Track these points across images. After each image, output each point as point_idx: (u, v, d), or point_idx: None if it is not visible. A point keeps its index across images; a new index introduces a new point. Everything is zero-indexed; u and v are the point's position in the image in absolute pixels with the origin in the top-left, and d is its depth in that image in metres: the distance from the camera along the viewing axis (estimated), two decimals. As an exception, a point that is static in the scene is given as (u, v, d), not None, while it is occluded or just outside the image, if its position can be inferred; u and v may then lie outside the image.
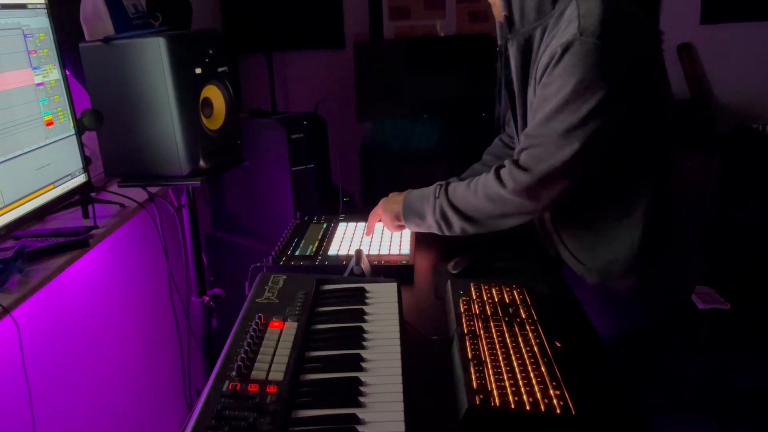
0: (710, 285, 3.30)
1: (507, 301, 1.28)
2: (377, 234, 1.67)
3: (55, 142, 1.58)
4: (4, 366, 1.44)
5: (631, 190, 1.44)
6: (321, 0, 3.86)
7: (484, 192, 1.41)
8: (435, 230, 1.51)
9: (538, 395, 0.97)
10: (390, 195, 1.66)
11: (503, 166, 1.41)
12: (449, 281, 1.36)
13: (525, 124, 1.49)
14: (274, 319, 1.12)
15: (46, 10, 1.58)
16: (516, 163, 1.38)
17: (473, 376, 1.01)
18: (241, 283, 1.43)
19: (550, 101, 1.32)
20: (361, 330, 1.13)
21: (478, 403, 0.95)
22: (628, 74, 1.31)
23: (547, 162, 1.33)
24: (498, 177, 1.40)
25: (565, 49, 1.28)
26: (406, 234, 1.65)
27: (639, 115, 1.36)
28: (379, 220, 1.64)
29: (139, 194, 1.83)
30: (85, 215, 1.68)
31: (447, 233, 1.49)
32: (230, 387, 0.93)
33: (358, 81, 3.67)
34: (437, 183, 1.52)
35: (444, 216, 1.47)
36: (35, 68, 1.53)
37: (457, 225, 1.47)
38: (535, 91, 1.39)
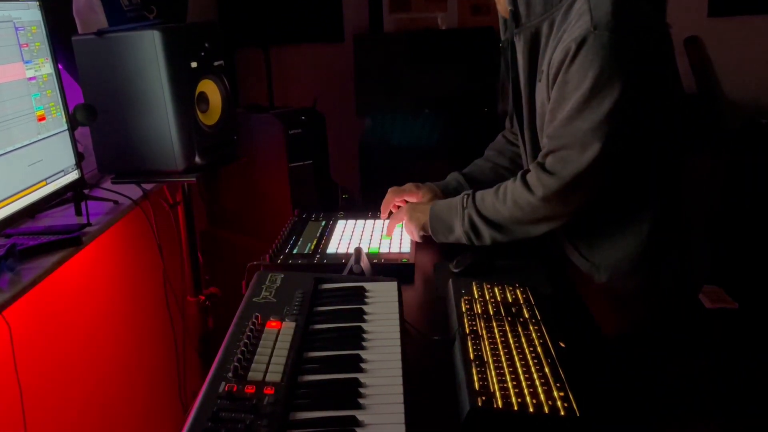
0: (718, 284, 3.28)
1: (510, 300, 1.26)
2: (377, 232, 1.64)
3: (47, 137, 1.57)
4: (-5, 367, 1.42)
5: (640, 187, 1.42)
6: (320, -7, 3.84)
7: (513, 200, 1.40)
8: (464, 241, 1.49)
9: (542, 396, 0.96)
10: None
11: (529, 170, 1.39)
12: (451, 280, 1.34)
13: (531, 120, 1.47)
14: (271, 318, 1.11)
15: (38, 3, 1.57)
16: (542, 167, 1.36)
17: (475, 377, 1.00)
18: (237, 282, 1.41)
19: (569, 99, 1.30)
20: (361, 330, 1.11)
21: (480, 404, 0.94)
22: (644, 66, 1.29)
23: (574, 164, 1.31)
24: (525, 184, 1.38)
25: (580, 44, 1.26)
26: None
27: (651, 109, 1.33)
28: (400, 223, 1.61)
29: (133, 191, 1.83)
30: (78, 213, 1.67)
31: (477, 243, 1.47)
32: (226, 388, 0.91)
33: (358, 75, 3.65)
34: (464, 193, 1.50)
35: (473, 226, 1.45)
36: (27, 62, 1.52)
37: (487, 235, 1.45)
38: (547, 86, 1.37)
